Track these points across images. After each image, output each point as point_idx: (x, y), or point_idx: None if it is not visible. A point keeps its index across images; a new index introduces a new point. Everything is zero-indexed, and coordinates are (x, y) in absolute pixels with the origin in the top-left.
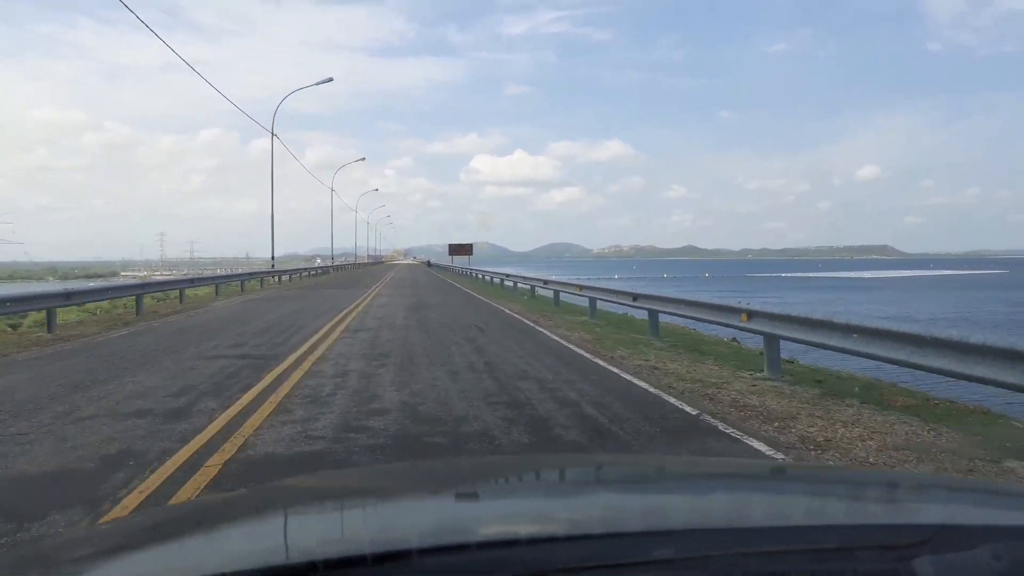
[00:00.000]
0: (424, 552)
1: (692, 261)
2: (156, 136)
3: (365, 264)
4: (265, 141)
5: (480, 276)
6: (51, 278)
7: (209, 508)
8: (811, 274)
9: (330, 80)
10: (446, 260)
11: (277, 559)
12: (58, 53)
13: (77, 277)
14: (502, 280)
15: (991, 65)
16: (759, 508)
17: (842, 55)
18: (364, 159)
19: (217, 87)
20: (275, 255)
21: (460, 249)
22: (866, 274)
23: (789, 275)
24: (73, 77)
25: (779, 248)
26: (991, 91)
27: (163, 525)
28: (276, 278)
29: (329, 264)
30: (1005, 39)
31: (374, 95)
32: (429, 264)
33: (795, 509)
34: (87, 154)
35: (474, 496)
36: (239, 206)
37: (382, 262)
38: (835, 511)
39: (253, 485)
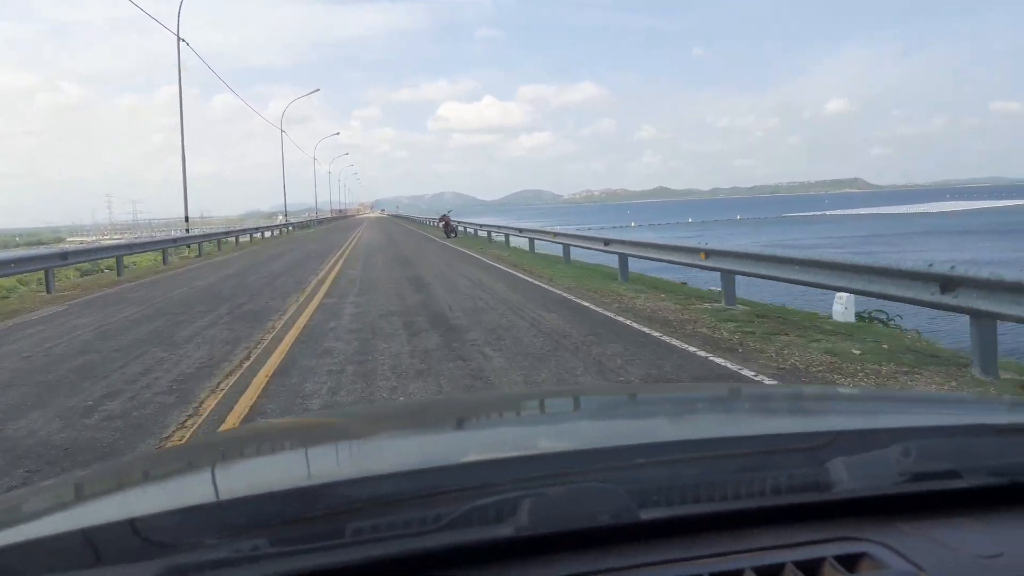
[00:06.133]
0: (361, 481)
1: (665, 203)
2: (111, 96)
3: (325, 220)
4: (224, 97)
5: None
6: None
7: (192, 450)
8: (846, 211)
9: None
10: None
11: (242, 493)
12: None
13: (18, 245)
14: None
15: None
16: (670, 425)
17: None
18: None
19: (168, 42)
20: (236, 213)
21: None
22: (870, 210)
23: (833, 213)
24: (22, 38)
25: (750, 186)
26: (954, 18)
27: (129, 472)
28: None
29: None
30: None
31: (334, 44)
32: (449, 230)
33: (705, 424)
34: (40, 117)
35: (427, 432)
36: (196, 166)
37: (346, 216)
38: (746, 424)
39: (233, 428)
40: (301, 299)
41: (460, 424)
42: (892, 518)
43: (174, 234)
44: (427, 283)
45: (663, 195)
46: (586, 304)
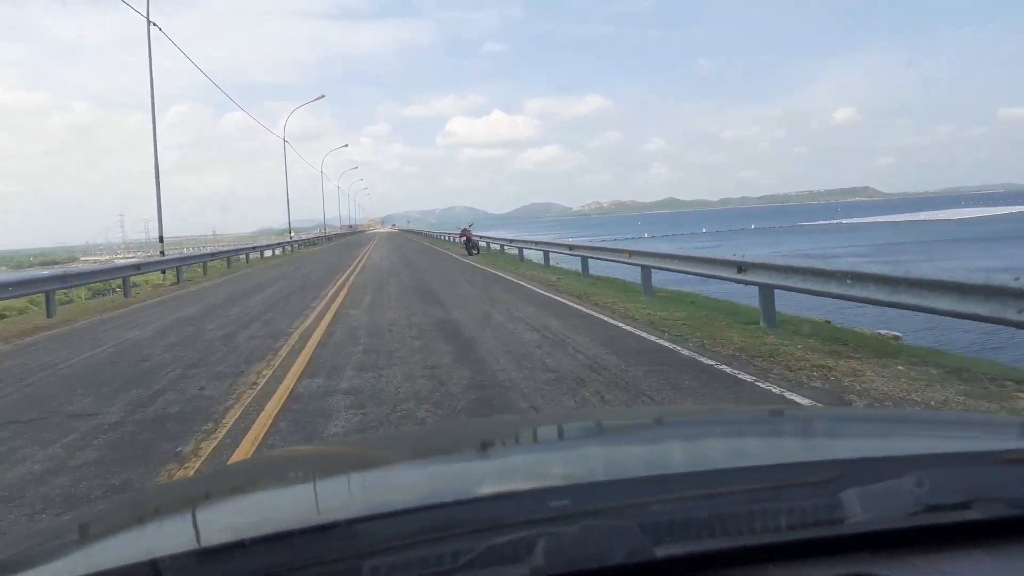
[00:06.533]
0: (386, 516)
1: (675, 214)
2: (122, 115)
3: (335, 236)
4: (236, 115)
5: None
6: (3, 268)
7: (199, 484)
8: (864, 219)
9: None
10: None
11: (259, 531)
12: (10, 35)
13: (32, 265)
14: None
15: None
16: (680, 456)
17: None
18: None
19: (179, 60)
20: (250, 231)
21: None
22: (888, 218)
23: (850, 221)
24: (34, 59)
25: (758, 195)
26: (960, 26)
27: (143, 507)
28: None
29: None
30: None
31: (343, 60)
32: (470, 246)
33: (716, 454)
34: (53, 136)
35: (450, 460)
36: (209, 182)
37: (356, 232)
38: (757, 453)
39: (243, 460)
40: (261, 382)
41: (473, 453)
42: (904, 552)
43: (135, 258)
44: (471, 338)
45: (672, 206)
46: (791, 395)
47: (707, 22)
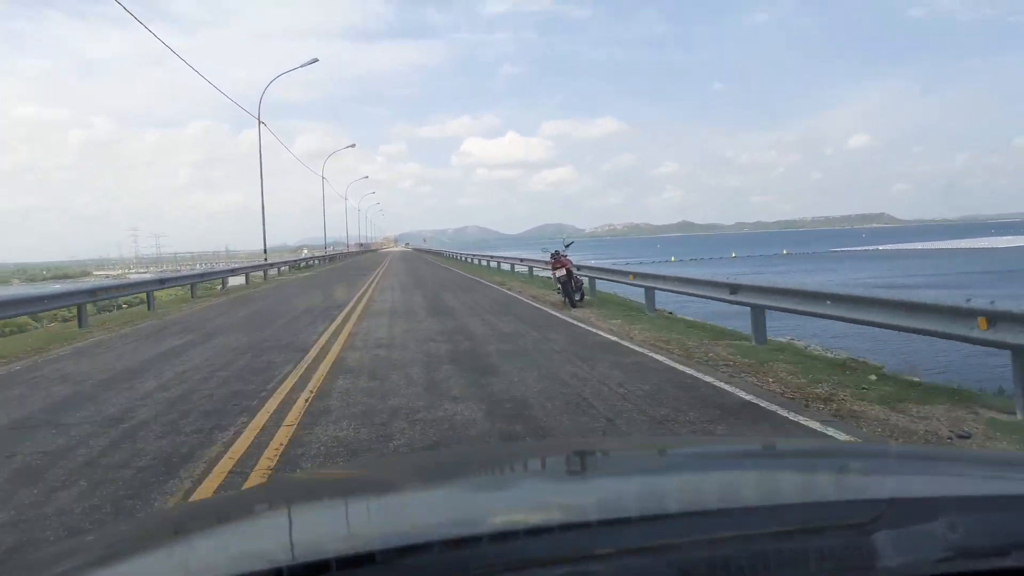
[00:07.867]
0: (423, 548)
1: (691, 237)
2: (141, 131)
3: (339, 256)
4: (254, 133)
5: None
6: (16, 281)
7: (211, 508)
8: (898, 246)
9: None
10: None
11: (284, 558)
12: (31, 49)
13: (45, 279)
14: None
15: (974, 30)
16: (714, 491)
17: (826, 24)
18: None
19: (199, 77)
20: (262, 248)
21: None
22: (925, 245)
23: (886, 248)
24: (50, 73)
25: (773, 220)
26: (975, 56)
27: (160, 529)
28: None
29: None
30: (986, 3)
31: (358, 81)
32: (572, 288)
33: (751, 490)
34: (71, 151)
35: (470, 488)
36: (225, 199)
37: (367, 251)
38: (792, 490)
39: (262, 483)
40: None
41: (503, 480)
42: None
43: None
44: None
45: (686, 229)
46: None
47: (722, 47)
